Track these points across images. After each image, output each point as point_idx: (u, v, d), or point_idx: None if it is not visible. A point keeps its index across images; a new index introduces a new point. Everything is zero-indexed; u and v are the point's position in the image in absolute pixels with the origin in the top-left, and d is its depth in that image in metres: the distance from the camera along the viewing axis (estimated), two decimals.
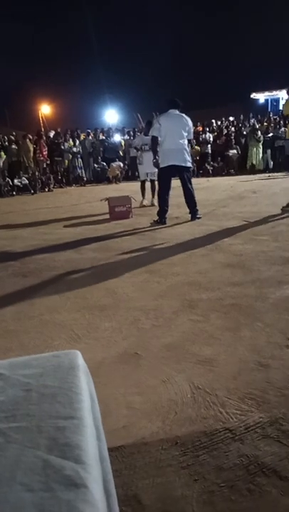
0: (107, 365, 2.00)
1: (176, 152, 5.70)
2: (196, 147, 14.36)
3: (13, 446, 0.60)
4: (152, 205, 7.66)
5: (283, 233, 4.62)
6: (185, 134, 5.76)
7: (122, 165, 14.52)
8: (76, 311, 2.71)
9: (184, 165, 5.75)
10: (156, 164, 5.88)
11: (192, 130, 5.96)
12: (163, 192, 5.93)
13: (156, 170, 7.48)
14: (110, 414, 1.60)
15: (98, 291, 3.08)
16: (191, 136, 6.10)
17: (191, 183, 5.90)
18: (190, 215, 5.92)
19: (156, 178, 7.56)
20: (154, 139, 5.81)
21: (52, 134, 15.30)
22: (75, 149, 14.38)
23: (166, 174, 5.86)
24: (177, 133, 5.70)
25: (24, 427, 0.65)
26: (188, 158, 5.83)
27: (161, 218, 5.84)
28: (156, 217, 5.87)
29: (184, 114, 5.82)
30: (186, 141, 5.80)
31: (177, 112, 5.78)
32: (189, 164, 5.87)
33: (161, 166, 5.84)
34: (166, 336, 2.26)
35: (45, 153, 13.12)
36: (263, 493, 1.21)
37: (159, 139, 5.78)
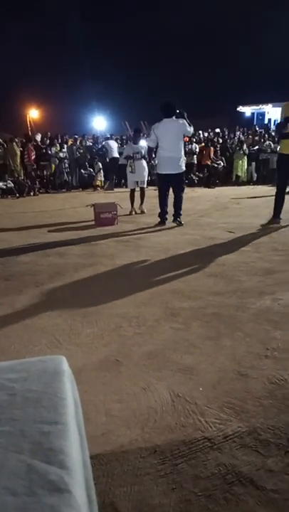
0: (87, 372, 1.99)
1: (170, 160, 6.04)
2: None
3: None
4: (142, 212, 7.69)
5: (265, 244, 4.70)
6: (181, 139, 6.07)
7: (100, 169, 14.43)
8: (58, 317, 2.69)
9: (177, 172, 6.11)
10: (154, 168, 6.24)
11: (188, 129, 6.06)
12: (161, 195, 6.35)
13: (146, 178, 7.74)
14: (89, 421, 1.60)
15: (81, 297, 3.07)
16: (190, 134, 6.44)
17: (182, 190, 6.32)
18: (173, 216, 6.27)
19: (145, 185, 7.78)
20: (151, 149, 6.13)
21: (39, 137, 15.18)
22: (62, 154, 14.31)
23: (163, 180, 6.26)
24: (173, 141, 5.99)
25: (8, 431, 0.65)
26: (182, 163, 6.19)
27: (162, 219, 6.32)
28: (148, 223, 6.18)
29: (177, 119, 5.97)
30: (181, 148, 6.14)
31: (172, 119, 5.96)
32: (182, 169, 6.22)
33: (158, 172, 6.29)
34: (148, 344, 2.27)
35: (33, 157, 12.99)
36: (240, 502, 1.23)
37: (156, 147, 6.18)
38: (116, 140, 15.18)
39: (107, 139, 14.53)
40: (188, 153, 15.37)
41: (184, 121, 5.99)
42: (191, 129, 6.14)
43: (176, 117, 5.99)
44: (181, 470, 1.35)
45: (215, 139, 16.01)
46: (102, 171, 14.30)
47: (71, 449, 0.62)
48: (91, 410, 1.68)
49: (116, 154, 13.25)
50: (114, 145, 13.57)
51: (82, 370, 2.00)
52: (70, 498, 0.51)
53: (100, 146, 14.23)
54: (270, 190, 11.34)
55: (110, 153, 13.25)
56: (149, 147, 6.81)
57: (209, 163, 14.46)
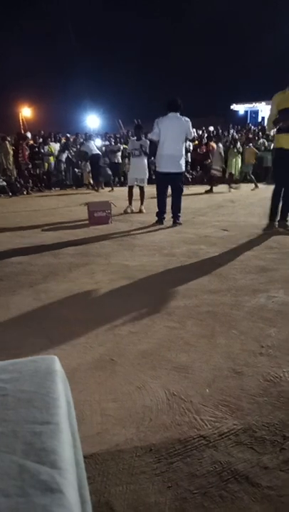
0: (82, 372, 1.98)
1: (172, 158, 5.90)
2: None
3: None
4: (140, 211, 7.48)
5: (259, 243, 4.71)
6: (183, 139, 5.95)
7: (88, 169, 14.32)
8: (52, 316, 2.68)
9: (178, 171, 6.00)
10: (153, 164, 6.12)
11: (191, 130, 6.05)
12: (160, 194, 6.22)
13: (146, 176, 7.46)
14: (85, 421, 1.59)
15: (75, 297, 3.06)
16: (191, 136, 6.33)
17: (181, 191, 6.17)
18: (172, 219, 6.17)
19: (144, 184, 7.51)
20: (153, 143, 6.04)
21: (29, 135, 15.05)
22: (64, 155, 14.29)
23: (162, 178, 6.09)
24: (175, 138, 5.86)
25: (0, 432, 0.64)
26: (183, 162, 6.05)
27: (160, 218, 6.21)
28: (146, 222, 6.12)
29: (182, 117, 5.89)
30: (183, 146, 6.01)
31: (177, 114, 5.87)
32: (182, 169, 6.11)
33: (158, 170, 6.10)
34: (143, 343, 2.27)
35: (26, 155, 12.91)
36: (235, 499, 1.23)
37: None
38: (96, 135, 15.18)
39: (82, 144, 14.13)
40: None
41: (189, 120, 5.91)
42: (191, 135, 6.16)
43: (180, 114, 5.88)
44: (177, 468, 1.35)
45: (208, 137, 16.06)
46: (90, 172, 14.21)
47: (63, 449, 0.62)
48: (86, 410, 1.67)
49: (95, 151, 13.13)
50: (91, 144, 13.38)
51: (77, 369, 2.00)
52: (62, 498, 0.51)
53: (80, 150, 13.84)
54: (264, 188, 11.39)
55: (90, 153, 13.05)
56: (150, 143, 6.63)
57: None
